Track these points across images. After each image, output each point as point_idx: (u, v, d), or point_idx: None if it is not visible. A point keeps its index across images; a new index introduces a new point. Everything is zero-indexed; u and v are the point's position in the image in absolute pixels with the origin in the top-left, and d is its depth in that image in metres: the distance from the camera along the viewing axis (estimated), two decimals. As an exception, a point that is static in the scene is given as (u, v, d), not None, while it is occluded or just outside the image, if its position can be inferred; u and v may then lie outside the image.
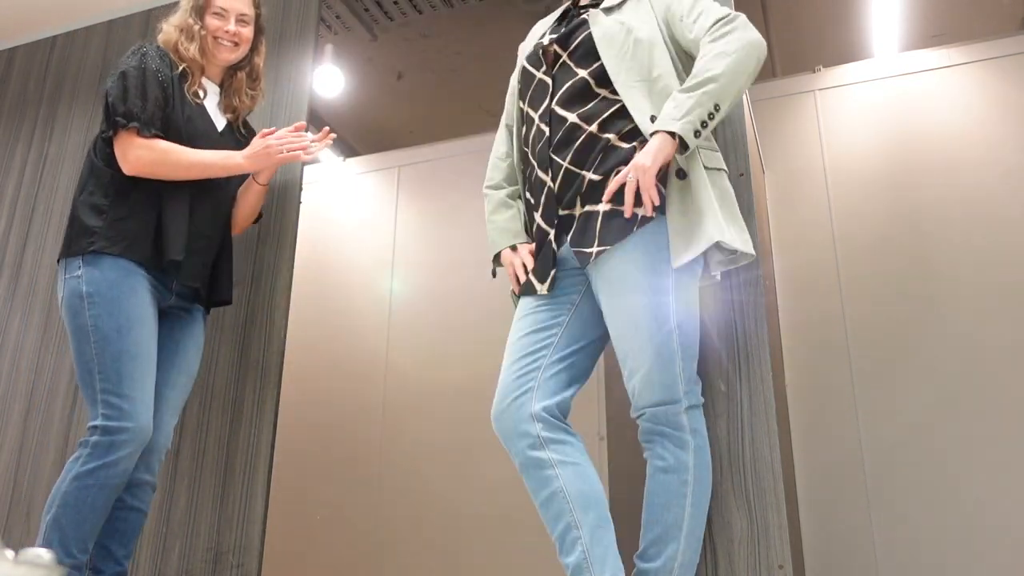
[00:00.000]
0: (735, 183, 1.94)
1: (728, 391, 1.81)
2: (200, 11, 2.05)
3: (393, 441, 3.42)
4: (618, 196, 1.54)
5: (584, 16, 1.73)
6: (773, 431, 1.74)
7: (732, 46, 1.54)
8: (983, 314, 2.86)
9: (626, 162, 1.56)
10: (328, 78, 3.88)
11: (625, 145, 1.59)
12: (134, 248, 1.84)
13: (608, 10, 1.72)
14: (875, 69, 3.31)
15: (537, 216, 1.69)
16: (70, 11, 3.23)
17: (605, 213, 1.56)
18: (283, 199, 2.47)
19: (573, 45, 1.70)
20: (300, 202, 2.44)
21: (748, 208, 1.92)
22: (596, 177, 1.58)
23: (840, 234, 3.14)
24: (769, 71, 3.76)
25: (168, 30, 2.05)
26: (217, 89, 2.13)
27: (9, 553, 0.75)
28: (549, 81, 1.71)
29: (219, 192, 2.06)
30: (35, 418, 2.65)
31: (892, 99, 3.23)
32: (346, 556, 3.35)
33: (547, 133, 1.66)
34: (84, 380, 1.79)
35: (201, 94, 2.06)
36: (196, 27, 2.03)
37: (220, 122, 2.11)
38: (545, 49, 1.74)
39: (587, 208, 1.60)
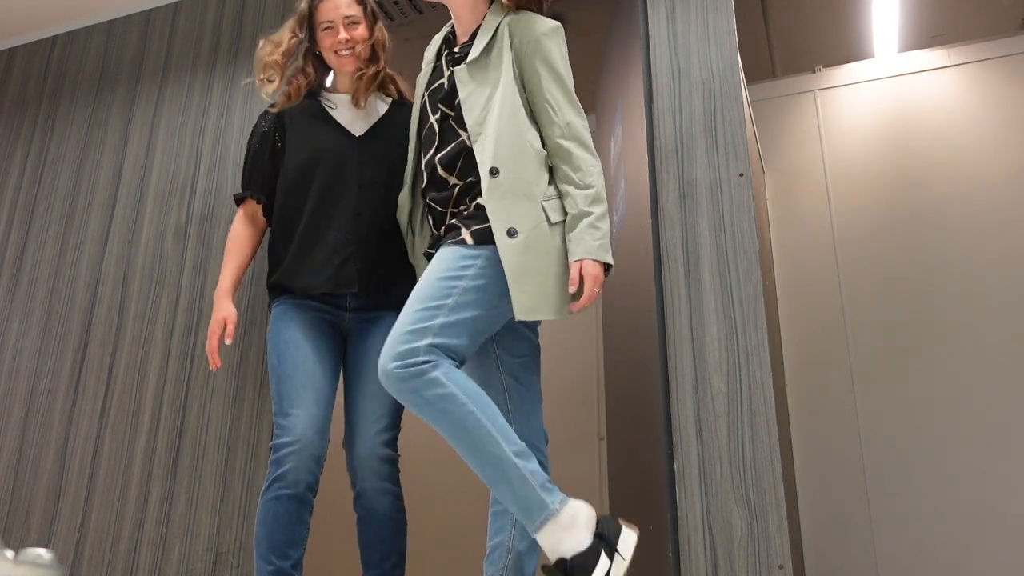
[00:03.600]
0: (735, 183, 1.95)
1: (728, 391, 1.81)
2: (312, 31, 2.07)
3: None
4: None
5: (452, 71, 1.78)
6: (773, 431, 1.75)
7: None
8: (983, 314, 2.86)
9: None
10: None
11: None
12: (278, 288, 1.97)
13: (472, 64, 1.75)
14: (875, 69, 3.31)
15: None
16: (70, 11, 3.24)
17: None
18: (283, 199, 2.47)
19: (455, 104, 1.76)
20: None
21: (748, 208, 1.92)
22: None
23: (840, 234, 3.14)
24: (769, 71, 3.76)
25: (270, 60, 2.07)
26: (347, 98, 2.09)
27: (9, 553, 0.75)
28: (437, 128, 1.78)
29: (356, 196, 1.99)
30: (35, 418, 2.65)
31: (892, 99, 3.23)
32: (346, 556, 3.35)
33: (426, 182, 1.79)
34: None
35: (330, 105, 2.08)
36: (298, 41, 2.07)
37: (359, 127, 2.06)
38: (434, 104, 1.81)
39: None
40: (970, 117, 3.09)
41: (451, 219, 1.71)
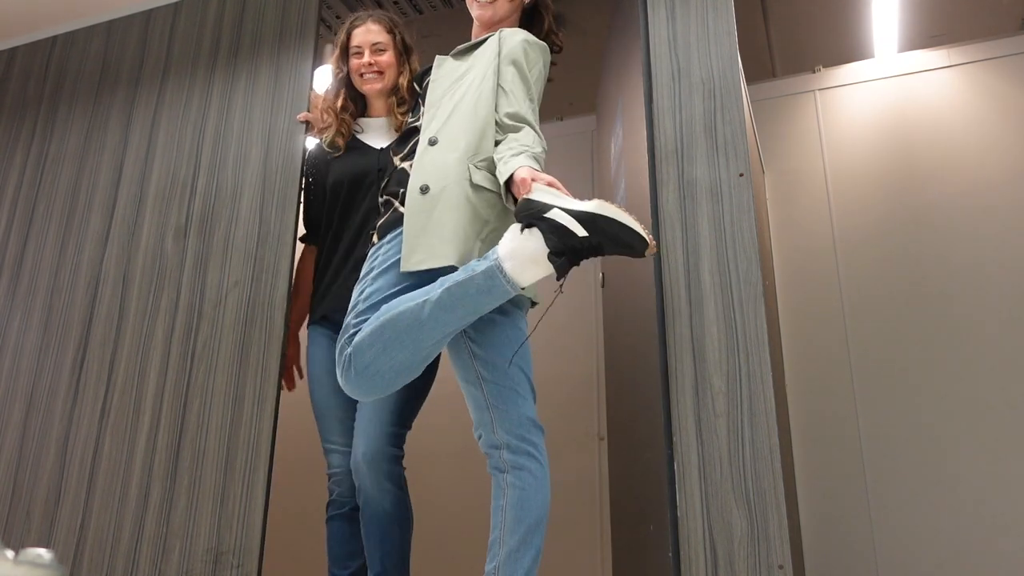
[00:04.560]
0: (735, 183, 1.94)
1: (728, 391, 1.81)
2: (344, 55, 2.22)
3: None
4: None
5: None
6: (773, 431, 1.74)
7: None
8: (983, 314, 2.86)
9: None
10: (328, 78, 3.87)
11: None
12: (312, 315, 2.19)
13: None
14: (875, 69, 3.31)
15: None
16: (70, 11, 3.24)
17: None
18: (283, 200, 2.48)
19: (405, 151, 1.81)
20: (300, 203, 2.45)
21: (748, 208, 1.92)
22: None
23: (840, 234, 3.14)
24: (769, 71, 3.76)
25: (322, 98, 2.28)
26: (383, 121, 2.23)
27: (9, 553, 0.75)
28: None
29: (367, 212, 2.11)
30: (35, 419, 2.65)
31: (892, 99, 3.23)
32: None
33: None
34: None
35: (358, 129, 2.22)
36: (339, 74, 2.21)
37: (381, 142, 2.19)
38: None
39: None
40: (970, 117, 3.09)
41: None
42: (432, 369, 2.02)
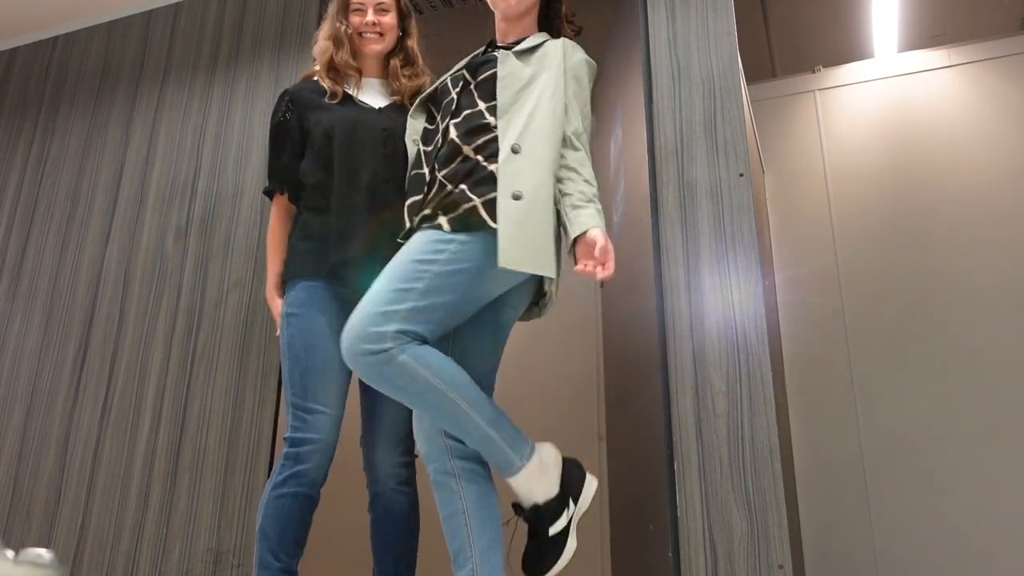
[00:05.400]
0: (735, 183, 1.95)
1: (728, 391, 1.81)
2: (344, 12, 2.08)
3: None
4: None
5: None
6: (773, 431, 1.75)
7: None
8: (983, 314, 2.86)
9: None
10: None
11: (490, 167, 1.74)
12: (315, 271, 1.93)
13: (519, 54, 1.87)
14: (875, 69, 3.31)
15: None
16: (70, 11, 3.24)
17: None
18: (283, 199, 2.47)
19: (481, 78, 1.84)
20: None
21: (748, 208, 1.92)
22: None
23: (840, 234, 3.14)
24: (769, 71, 3.76)
25: (322, 44, 2.08)
26: (375, 81, 2.12)
27: (9, 553, 0.75)
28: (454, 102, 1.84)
29: (376, 164, 1.98)
30: (35, 419, 2.65)
31: (892, 99, 3.23)
32: (346, 556, 3.35)
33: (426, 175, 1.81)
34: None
35: (354, 92, 2.06)
36: (342, 28, 2.06)
37: (380, 102, 2.07)
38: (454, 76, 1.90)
39: None
40: (970, 117, 3.09)
41: (428, 208, 1.73)
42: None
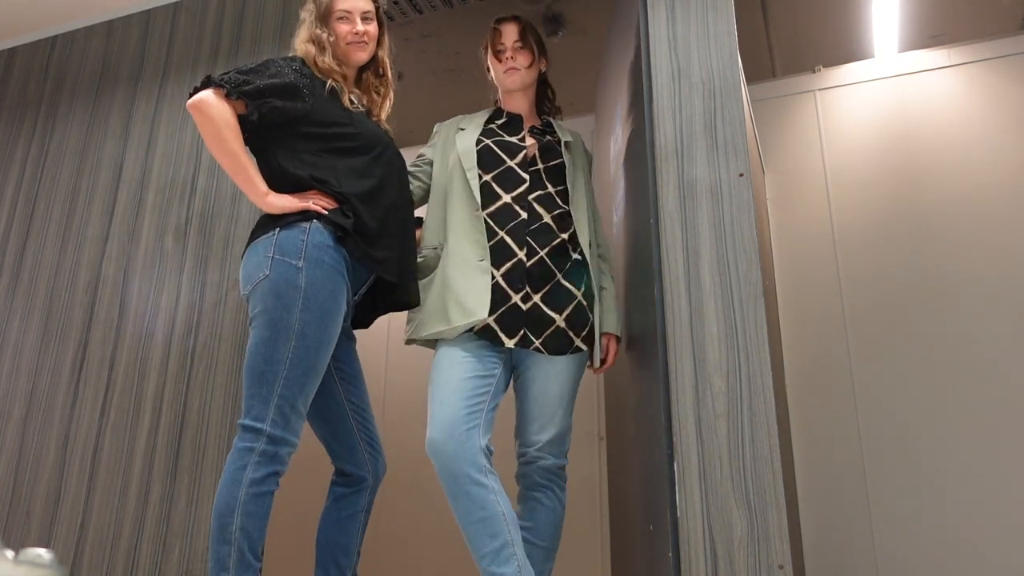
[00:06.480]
0: (735, 183, 1.95)
1: (728, 391, 1.81)
2: (325, 19, 2.00)
3: (394, 439, 3.42)
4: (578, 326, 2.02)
5: (551, 140, 2.15)
6: (773, 431, 1.75)
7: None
8: (983, 314, 2.86)
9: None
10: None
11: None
12: (364, 255, 1.95)
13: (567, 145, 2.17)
14: (875, 69, 3.31)
15: (497, 275, 1.95)
16: (70, 11, 3.24)
17: (559, 328, 1.96)
18: (283, 199, 2.47)
19: (550, 164, 2.10)
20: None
21: (748, 208, 1.92)
22: (567, 284, 2.01)
23: (840, 234, 3.14)
24: (769, 71, 3.76)
25: (301, 47, 1.99)
26: (355, 93, 2.06)
27: (9, 553, 0.75)
28: (525, 175, 2.05)
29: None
30: (35, 418, 2.65)
31: (892, 99, 3.23)
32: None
33: (524, 217, 2.00)
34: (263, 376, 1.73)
35: (354, 100, 1.99)
36: (325, 35, 1.98)
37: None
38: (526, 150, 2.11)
39: (549, 312, 1.97)
40: (970, 117, 3.09)
41: (541, 296, 1.98)
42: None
